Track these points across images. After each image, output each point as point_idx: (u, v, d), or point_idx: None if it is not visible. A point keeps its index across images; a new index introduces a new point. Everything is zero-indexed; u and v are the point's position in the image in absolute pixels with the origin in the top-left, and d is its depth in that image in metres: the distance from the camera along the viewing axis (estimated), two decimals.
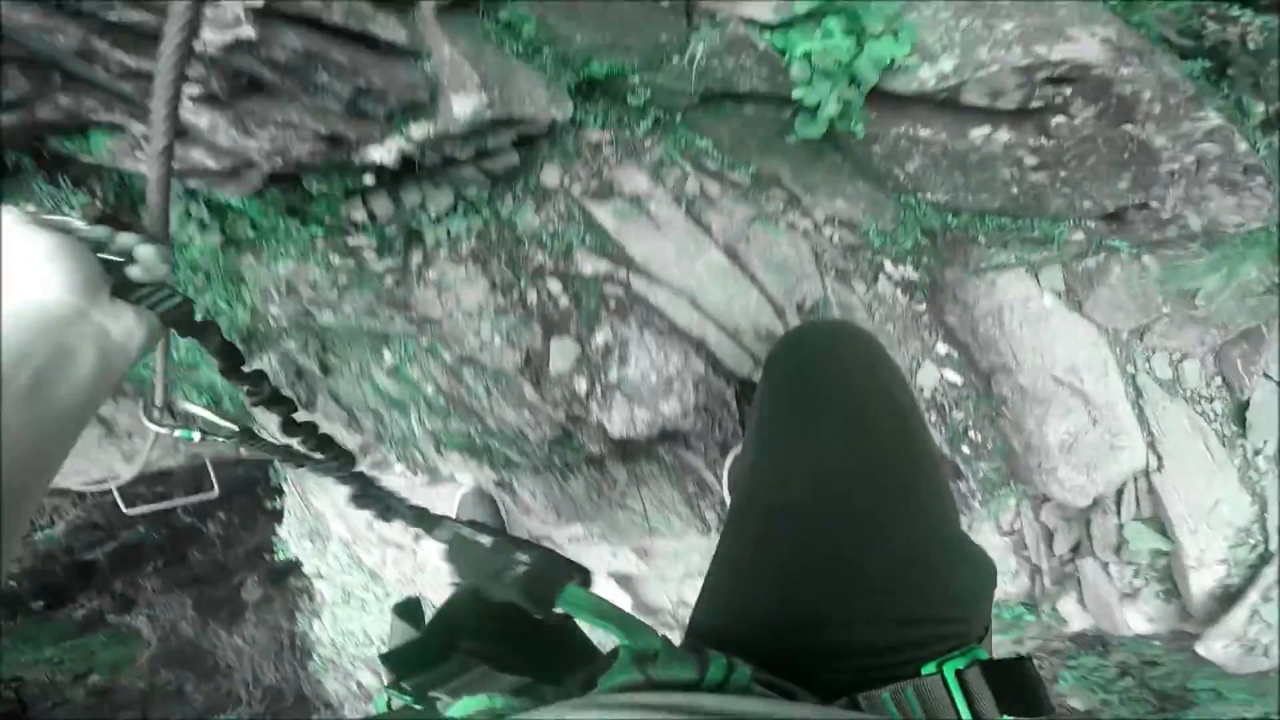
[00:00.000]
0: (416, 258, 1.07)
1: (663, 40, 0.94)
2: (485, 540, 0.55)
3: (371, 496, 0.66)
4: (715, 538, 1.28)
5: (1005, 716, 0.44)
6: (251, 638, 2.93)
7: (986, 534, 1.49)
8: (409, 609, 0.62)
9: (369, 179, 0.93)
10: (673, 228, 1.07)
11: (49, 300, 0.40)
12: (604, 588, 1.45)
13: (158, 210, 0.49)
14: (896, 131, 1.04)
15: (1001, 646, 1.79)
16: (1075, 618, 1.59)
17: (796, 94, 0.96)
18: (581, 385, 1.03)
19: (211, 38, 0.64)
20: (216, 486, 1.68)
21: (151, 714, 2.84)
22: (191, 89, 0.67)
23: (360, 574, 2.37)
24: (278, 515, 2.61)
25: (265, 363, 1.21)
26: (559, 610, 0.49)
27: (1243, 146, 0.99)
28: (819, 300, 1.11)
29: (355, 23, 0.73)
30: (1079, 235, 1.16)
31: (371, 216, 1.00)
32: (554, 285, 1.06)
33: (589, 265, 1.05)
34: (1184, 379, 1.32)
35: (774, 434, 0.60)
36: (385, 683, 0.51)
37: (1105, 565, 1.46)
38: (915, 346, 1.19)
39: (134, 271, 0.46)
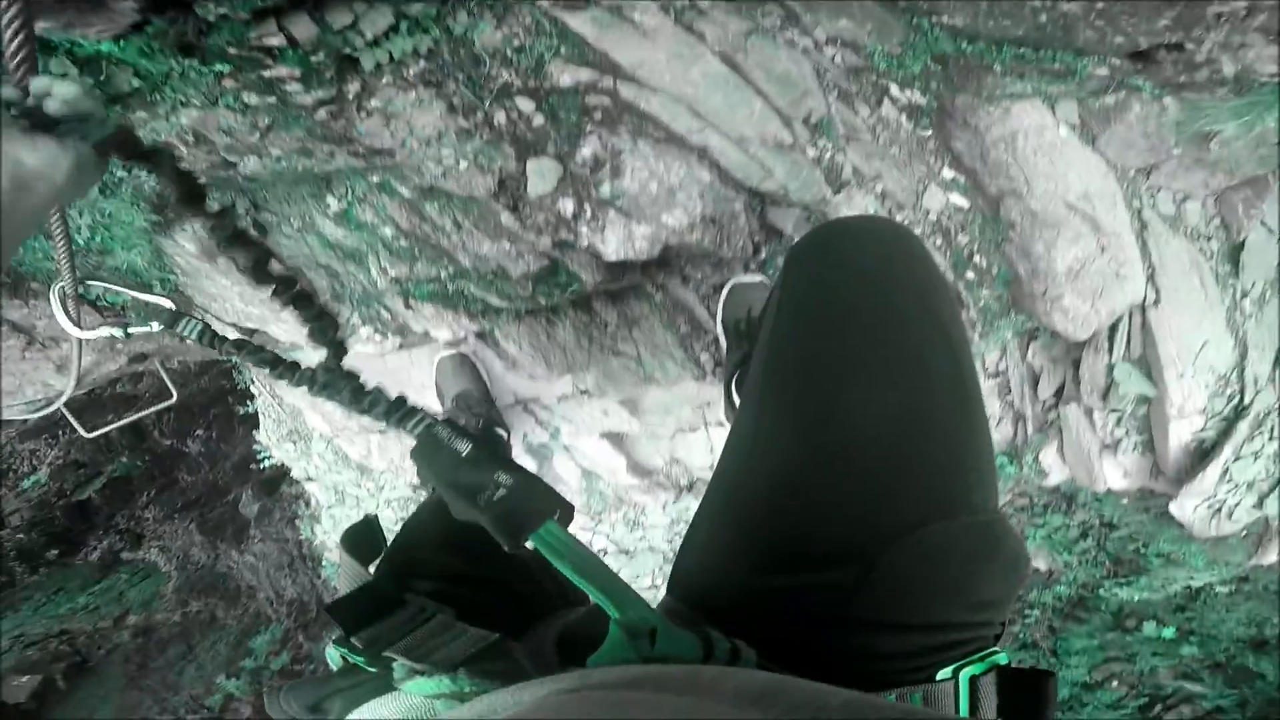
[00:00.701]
0: (353, 86, 0.92)
1: None
2: (463, 446, 0.47)
3: (344, 375, 0.57)
4: (711, 383, 1.25)
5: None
6: (262, 553, 2.95)
7: None
8: (362, 537, 0.54)
9: None
10: (662, 35, 0.95)
11: None
12: (597, 449, 1.42)
13: (21, 51, 0.46)
14: None
15: None
16: (1054, 470, 1.63)
17: None
18: (568, 206, 0.93)
19: None
20: (174, 392, 1.58)
21: (194, 645, 2.90)
22: None
23: (349, 470, 2.33)
24: (254, 421, 2.54)
25: (189, 232, 1.07)
26: (529, 546, 0.43)
27: None
28: (823, 118, 1.02)
29: None
30: (1102, 71, 1.10)
31: (291, 41, 0.84)
32: (525, 104, 0.94)
33: (566, 76, 0.93)
34: (1185, 217, 1.30)
35: (800, 370, 0.50)
36: (333, 638, 0.45)
37: (1089, 412, 1.48)
38: (920, 170, 1.12)
39: (51, 106, 0.46)
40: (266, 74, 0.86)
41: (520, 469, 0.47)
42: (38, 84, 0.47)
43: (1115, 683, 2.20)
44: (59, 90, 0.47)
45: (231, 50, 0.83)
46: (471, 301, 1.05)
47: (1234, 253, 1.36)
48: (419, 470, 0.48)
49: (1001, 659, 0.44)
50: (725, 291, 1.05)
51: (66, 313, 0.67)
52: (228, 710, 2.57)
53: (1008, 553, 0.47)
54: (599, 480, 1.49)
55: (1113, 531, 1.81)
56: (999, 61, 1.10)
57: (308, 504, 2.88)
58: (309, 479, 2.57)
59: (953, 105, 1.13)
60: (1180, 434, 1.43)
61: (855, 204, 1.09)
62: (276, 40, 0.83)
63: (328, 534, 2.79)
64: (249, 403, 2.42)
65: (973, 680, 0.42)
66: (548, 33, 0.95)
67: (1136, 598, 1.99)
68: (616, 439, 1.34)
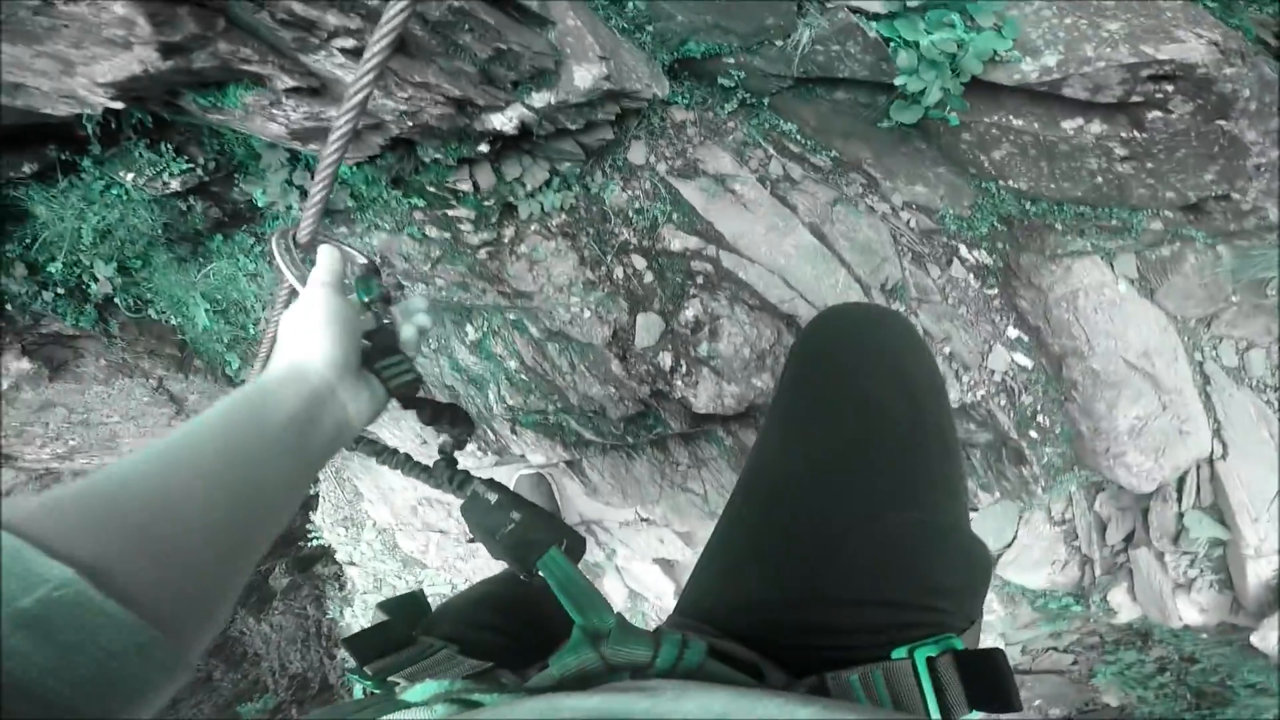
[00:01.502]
0: (509, 231, 1.07)
1: (768, 23, 0.96)
2: (492, 496, 0.56)
3: (448, 461, 0.64)
4: None
5: (974, 711, 0.43)
6: (279, 625, 2.93)
7: (1037, 523, 1.49)
8: (406, 606, 0.58)
9: (484, 147, 0.92)
10: (760, 207, 1.08)
11: (313, 370, 0.44)
12: (648, 573, 1.46)
13: (316, 211, 0.52)
14: (989, 121, 1.06)
15: (1041, 639, 1.79)
16: (1124, 609, 1.59)
17: (899, 81, 0.97)
18: (667, 360, 1.03)
19: None
20: None
21: (179, 700, 2.84)
22: (344, 41, 0.67)
23: (394, 561, 2.37)
24: (311, 501, 2.61)
25: None
26: (540, 574, 0.50)
27: None
28: (898, 282, 1.12)
29: None
30: (1157, 224, 1.18)
31: (475, 187, 0.99)
32: (638, 261, 1.07)
33: (677, 242, 1.06)
34: (1249, 367, 1.33)
35: (787, 417, 0.61)
36: (347, 668, 0.50)
37: (1160, 555, 1.47)
38: (986, 330, 1.20)
39: (407, 334, 0.52)
40: (450, 213, 1.01)
41: (533, 507, 0.54)
42: (405, 308, 0.53)
43: None
44: (407, 332, 0.52)
45: (429, 188, 0.98)
46: (568, 433, 1.15)
47: None
48: (467, 523, 0.57)
49: (956, 644, 0.46)
50: None
51: None
52: None
53: (962, 547, 0.54)
54: (644, 602, 1.52)
55: (1193, 665, 1.73)
56: (1060, 220, 1.20)
57: (341, 586, 2.89)
58: (351, 563, 2.61)
59: (1017, 264, 1.23)
60: (1259, 572, 1.40)
61: None
62: (466, 186, 0.97)
63: (356, 618, 2.78)
64: (313, 484, 2.50)
65: (931, 662, 0.44)
66: (663, 198, 1.09)
67: None
68: (668, 565, 1.39)
